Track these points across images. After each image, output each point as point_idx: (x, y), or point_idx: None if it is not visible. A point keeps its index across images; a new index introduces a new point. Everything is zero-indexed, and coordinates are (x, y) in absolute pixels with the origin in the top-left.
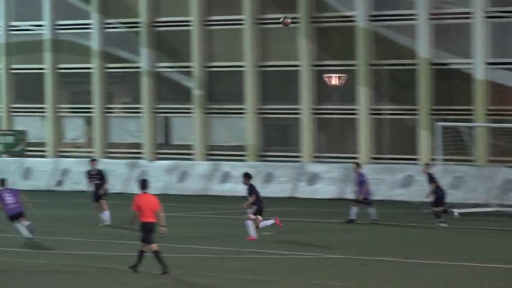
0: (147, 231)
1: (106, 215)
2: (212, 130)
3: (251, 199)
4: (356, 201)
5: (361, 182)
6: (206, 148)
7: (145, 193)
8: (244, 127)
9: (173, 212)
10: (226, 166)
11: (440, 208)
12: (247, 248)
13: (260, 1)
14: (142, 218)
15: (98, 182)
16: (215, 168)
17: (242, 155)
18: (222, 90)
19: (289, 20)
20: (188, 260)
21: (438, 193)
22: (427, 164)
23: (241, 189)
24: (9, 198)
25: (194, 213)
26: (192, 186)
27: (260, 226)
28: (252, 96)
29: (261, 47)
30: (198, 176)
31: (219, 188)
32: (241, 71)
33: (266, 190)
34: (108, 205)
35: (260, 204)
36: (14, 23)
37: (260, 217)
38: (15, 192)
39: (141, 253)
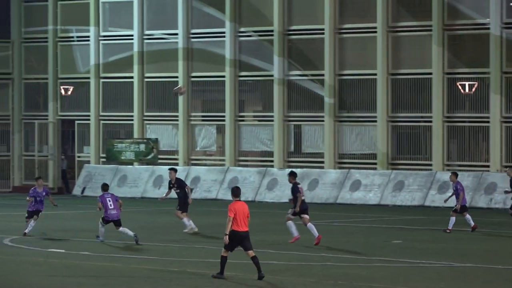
0: (240, 240)
1: (189, 222)
2: (342, 138)
3: (299, 200)
4: (455, 211)
5: (458, 190)
6: (336, 156)
7: (238, 200)
8: (375, 135)
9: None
10: (356, 174)
11: None
12: (377, 256)
13: (393, 9)
14: (234, 227)
15: (178, 191)
16: (345, 176)
17: (373, 163)
18: (353, 98)
19: (183, 89)
20: (319, 268)
21: None
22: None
23: (371, 198)
24: (109, 203)
25: (324, 221)
26: (322, 194)
27: (307, 226)
28: (383, 104)
29: (393, 55)
30: (328, 184)
31: (349, 196)
32: (372, 79)
33: (396, 198)
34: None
35: (303, 206)
36: (148, 32)
37: (307, 216)
38: (114, 197)
39: (224, 260)
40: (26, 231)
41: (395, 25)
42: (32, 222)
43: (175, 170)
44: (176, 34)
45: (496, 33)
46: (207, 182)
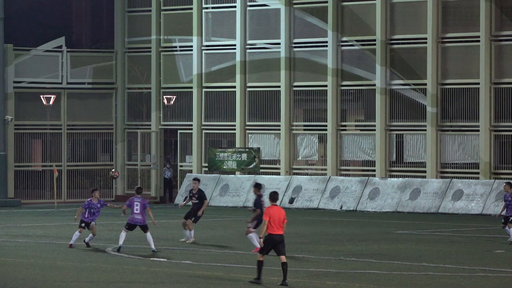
0: (274, 243)
1: (188, 233)
2: (444, 147)
3: (255, 214)
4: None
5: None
6: (438, 165)
7: (274, 205)
8: (478, 144)
9: (405, 229)
10: (458, 183)
11: None
12: (479, 266)
13: (496, 18)
14: (269, 230)
15: (196, 201)
16: (447, 186)
17: (475, 173)
18: (455, 108)
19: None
20: (420, 278)
21: None
22: None
23: (474, 207)
24: (136, 207)
25: (426, 230)
26: (424, 203)
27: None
28: (486, 113)
29: (496, 64)
30: (430, 194)
31: (451, 206)
32: (475, 88)
33: (499, 208)
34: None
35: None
36: (250, 41)
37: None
38: (143, 202)
39: (260, 264)
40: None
41: (498, 34)
42: (77, 233)
43: (199, 180)
44: (279, 43)
45: None
46: (309, 192)
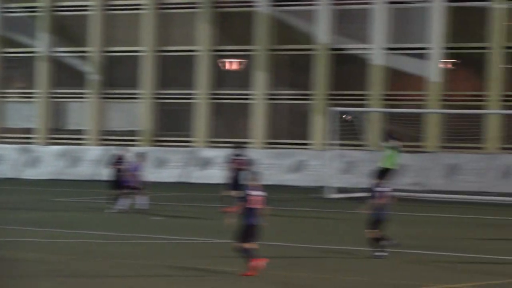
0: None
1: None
2: (107, 115)
3: None
4: None
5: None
6: (99, 133)
7: None
8: (140, 112)
9: (64, 197)
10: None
11: None
12: (136, 233)
13: None
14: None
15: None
16: (107, 154)
17: (136, 140)
18: (120, 75)
19: None
20: (79, 244)
21: None
22: None
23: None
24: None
25: (85, 198)
26: (84, 171)
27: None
28: (149, 81)
29: (160, 32)
30: (90, 161)
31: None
32: (140, 56)
33: (159, 175)
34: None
35: None
36: None
37: None
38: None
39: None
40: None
41: (163, 2)
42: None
43: None
44: None
45: (264, 11)
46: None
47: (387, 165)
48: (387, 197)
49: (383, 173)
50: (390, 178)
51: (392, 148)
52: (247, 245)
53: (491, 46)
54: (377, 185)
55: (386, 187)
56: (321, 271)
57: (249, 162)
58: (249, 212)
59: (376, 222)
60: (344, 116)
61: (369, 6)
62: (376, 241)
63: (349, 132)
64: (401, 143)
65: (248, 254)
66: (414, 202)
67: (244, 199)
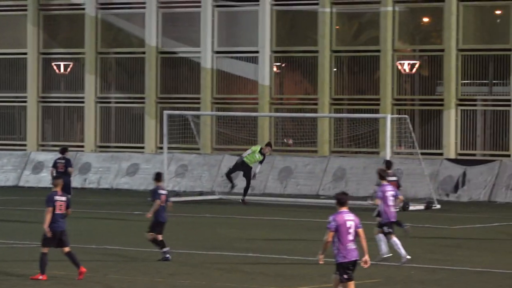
0: None
1: None
2: None
3: None
4: None
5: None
6: None
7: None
8: None
9: None
10: None
11: None
12: None
13: None
14: None
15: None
16: None
17: None
18: None
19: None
20: None
21: None
22: None
23: None
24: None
25: None
26: None
27: None
28: None
29: None
30: None
31: None
32: None
33: None
34: None
35: None
36: None
37: None
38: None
39: None
40: None
41: None
42: None
43: None
44: None
45: (92, 14)
46: None
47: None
48: (164, 200)
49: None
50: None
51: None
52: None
53: (321, 50)
54: (158, 188)
55: (164, 190)
56: (157, 275)
57: (71, 165)
58: None
59: (155, 224)
60: (285, 140)
61: (198, 9)
62: (156, 243)
63: (182, 135)
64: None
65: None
66: (250, 206)
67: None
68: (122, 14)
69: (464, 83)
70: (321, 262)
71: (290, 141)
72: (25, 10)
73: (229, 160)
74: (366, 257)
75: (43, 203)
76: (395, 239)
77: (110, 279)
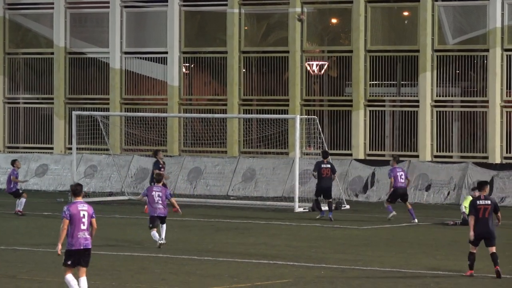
0: None
1: None
2: None
3: None
4: None
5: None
6: None
7: None
8: None
9: None
10: None
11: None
12: None
13: None
14: None
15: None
16: None
17: None
18: None
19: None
20: None
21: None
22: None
23: None
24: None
25: None
26: None
27: None
28: None
29: None
30: None
31: None
32: None
33: None
34: None
35: None
36: None
37: None
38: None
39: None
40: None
41: None
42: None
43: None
44: None
45: (0, 14)
46: None
47: None
48: None
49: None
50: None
51: None
52: None
53: (229, 51)
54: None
55: None
56: None
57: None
58: None
59: None
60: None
61: (106, 10)
62: None
63: (91, 136)
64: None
65: None
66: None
67: None
68: (30, 14)
69: (373, 84)
70: (59, 253)
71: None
72: None
73: (138, 161)
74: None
75: None
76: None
77: (19, 280)
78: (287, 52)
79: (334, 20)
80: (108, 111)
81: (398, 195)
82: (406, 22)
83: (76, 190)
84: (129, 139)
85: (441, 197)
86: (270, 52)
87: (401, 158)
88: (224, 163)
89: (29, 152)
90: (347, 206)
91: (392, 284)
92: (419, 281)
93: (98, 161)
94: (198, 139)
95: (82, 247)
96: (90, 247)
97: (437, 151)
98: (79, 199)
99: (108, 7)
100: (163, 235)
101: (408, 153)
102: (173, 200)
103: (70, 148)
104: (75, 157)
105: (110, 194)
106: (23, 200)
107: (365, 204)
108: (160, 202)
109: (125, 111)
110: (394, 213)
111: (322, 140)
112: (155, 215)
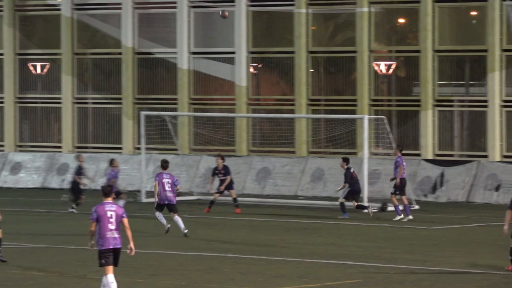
0: None
1: None
2: None
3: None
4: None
5: None
6: None
7: None
8: None
9: None
10: None
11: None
12: None
13: None
14: None
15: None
16: None
17: None
18: None
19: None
20: None
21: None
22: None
23: None
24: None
25: None
26: None
27: None
28: None
29: None
30: None
31: None
32: None
33: None
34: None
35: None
36: None
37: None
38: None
39: None
40: None
41: None
42: None
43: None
44: None
45: (68, 15)
46: None
47: None
48: None
49: None
50: None
51: None
52: None
53: (297, 51)
54: None
55: None
56: (136, 275)
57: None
58: None
59: None
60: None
61: (174, 10)
62: None
63: (159, 136)
64: None
65: None
66: (228, 206)
67: None
68: (98, 14)
69: (441, 83)
70: (92, 248)
71: (226, 13)
72: (1, 10)
73: (207, 161)
74: (131, 245)
75: (20, 204)
76: None
77: (89, 280)
78: (355, 52)
79: (401, 20)
80: (176, 111)
81: (404, 185)
82: (474, 21)
83: (106, 191)
84: (197, 139)
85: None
86: (337, 52)
87: (470, 159)
88: (292, 163)
89: (98, 152)
90: (416, 207)
91: (461, 285)
92: (488, 282)
93: None
94: (266, 139)
95: (111, 247)
96: (119, 246)
97: (506, 151)
98: (109, 199)
99: (176, 7)
100: (182, 225)
101: (477, 153)
102: (178, 187)
103: (139, 148)
104: (144, 157)
105: (179, 194)
106: (121, 201)
107: (434, 205)
108: (170, 189)
109: (193, 111)
110: (410, 216)
111: (390, 140)
112: (165, 203)
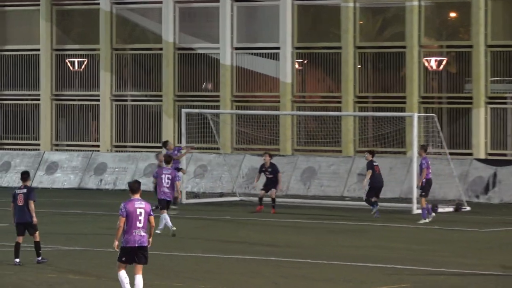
0: None
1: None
2: None
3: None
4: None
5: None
6: None
7: None
8: None
9: None
10: None
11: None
12: None
13: None
14: None
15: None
16: None
17: None
18: None
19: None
20: None
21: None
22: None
23: None
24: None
25: None
26: None
27: None
28: None
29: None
30: None
31: None
32: None
33: (3, 180)
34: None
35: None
36: None
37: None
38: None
39: None
40: None
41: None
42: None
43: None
44: None
45: (106, 9)
46: None
47: None
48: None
49: None
50: None
51: None
52: None
53: (344, 46)
54: None
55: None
56: (175, 278)
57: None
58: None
59: None
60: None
61: (216, 4)
62: None
63: (201, 135)
64: None
65: None
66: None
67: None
68: (138, 9)
69: (494, 80)
70: (117, 249)
71: (209, 86)
72: (38, 5)
73: (250, 160)
74: (150, 240)
75: (56, 205)
76: None
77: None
78: (404, 47)
79: (452, 14)
80: (219, 109)
81: (429, 186)
82: None
83: (134, 187)
84: (240, 138)
85: None
86: (386, 47)
87: None
88: (339, 162)
89: (137, 151)
90: (468, 208)
91: None
92: None
93: (208, 161)
94: (311, 137)
95: (136, 245)
96: (145, 245)
97: None
98: (137, 196)
99: (218, 1)
100: (162, 225)
101: None
102: (178, 183)
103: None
104: (185, 156)
105: (221, 194)
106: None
107: (486, 206)
108: (168, 185)
109: (236, 109)
110: (433, 214)
111: (441, 139)
112: (162, 198)
